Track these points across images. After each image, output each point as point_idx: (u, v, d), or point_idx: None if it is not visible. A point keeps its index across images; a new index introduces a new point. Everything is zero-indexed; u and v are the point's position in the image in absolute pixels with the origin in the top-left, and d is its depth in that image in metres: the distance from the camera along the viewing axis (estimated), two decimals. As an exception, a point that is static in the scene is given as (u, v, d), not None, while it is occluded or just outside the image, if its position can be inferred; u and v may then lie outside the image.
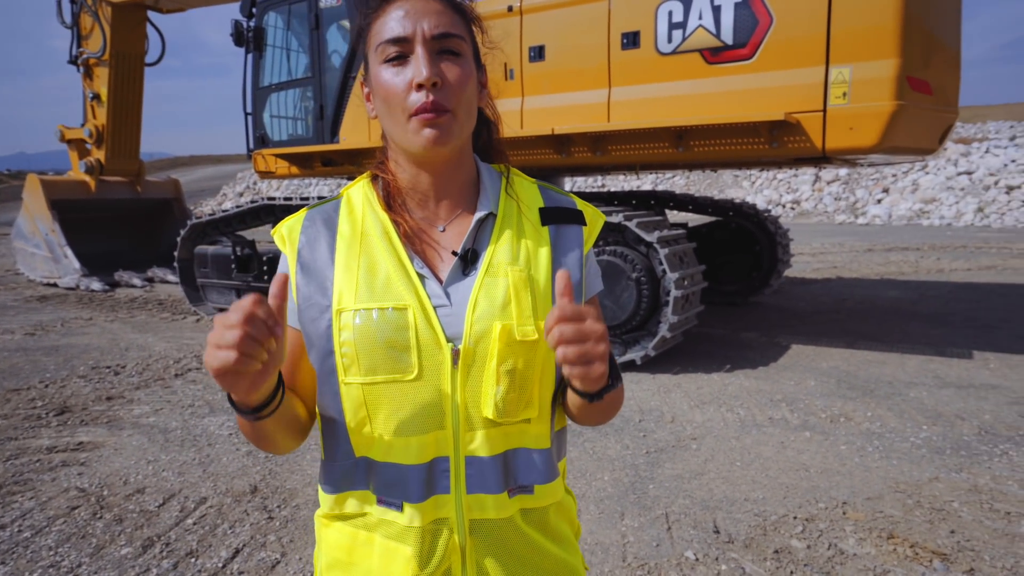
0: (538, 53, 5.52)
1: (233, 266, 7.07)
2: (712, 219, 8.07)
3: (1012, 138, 22.81)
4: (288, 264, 0.99)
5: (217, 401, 4.53)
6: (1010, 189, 18.48)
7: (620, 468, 3.41)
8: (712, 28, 4.77)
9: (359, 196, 1.03)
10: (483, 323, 0.93)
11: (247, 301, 0.76)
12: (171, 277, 10.50)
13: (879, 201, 21.13)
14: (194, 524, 2.83)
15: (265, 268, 6.83)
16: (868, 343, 5.80)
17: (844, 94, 4.41)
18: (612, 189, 13.47)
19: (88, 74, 10.67)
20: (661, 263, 4.85)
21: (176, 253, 7.70)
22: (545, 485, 1.00)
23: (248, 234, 7.84)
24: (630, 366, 5.05)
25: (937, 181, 20.18)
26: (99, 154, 10.86)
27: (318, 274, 0.97)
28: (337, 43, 6.96)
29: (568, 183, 7.62)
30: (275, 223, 7.32)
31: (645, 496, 3.10)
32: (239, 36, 7.11)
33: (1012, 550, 2.60)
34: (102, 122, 10.70)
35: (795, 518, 2.88)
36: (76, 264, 9.91)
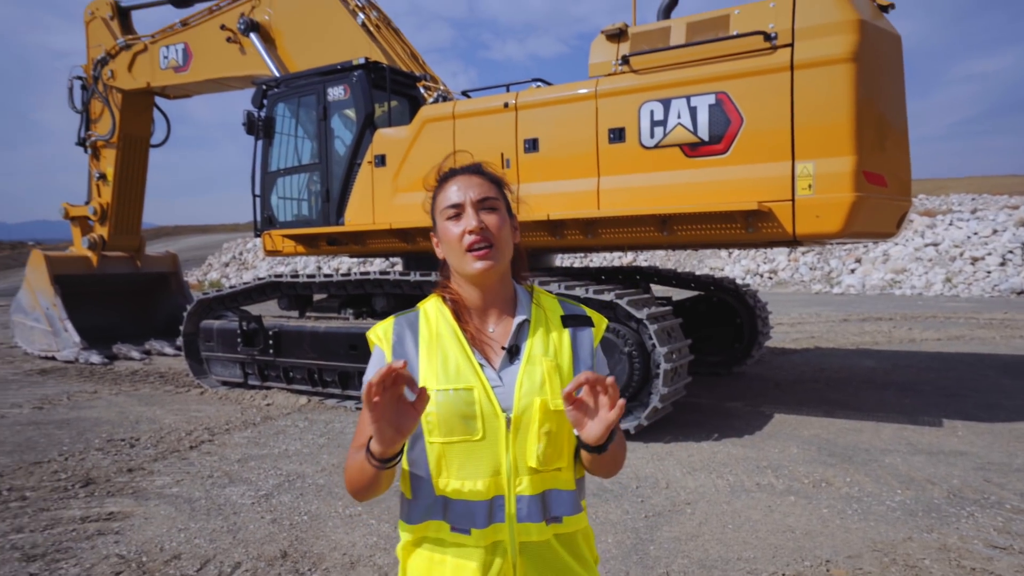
0: (532, 145, 6.04)
1: (239, 340, 7.34)
2: (694, 293, 8.53)
3: (973, 211, 23.96)
4: (385, 357, 1.40)
5: (235, 472, 4.75)
6: (975, 260, 19.35)
7: (622, 531, 3.68)
8: (690, 126, 5.32)
9: (433, 308, 1.45)
10: (527, 398, 1.34)
11: (386, 370, 1.12)
12: (168, 350, 10.70)
13: (852, 271, 21.95)
14: (232, 588, 3.05)
15: (271, 342, 7.11)
16: (846, 412, 6.17)
17: (809, 186, 4.92)
18: (598, 264, 13.99)
19: (95, 155, 11.14)
20: (651, 338, 5.24)
21: (181, 327, 7.96)
22: (571, 516, 1.39)
23: (253, 309, 8.14)
24: (624, 435, 5.34)
25: (906, 252, 21.09)
26: (102, 230, 11.21)
27: (408, 364, 1.34)
28: (343, 131, 7.49)
29: (558, 260, 8.09)
30: (280, 298, 7.67)
31: (647, 557, 3.38)
32: (251, 125, 7.62)
33: (976, 600, 2.91)
34: (107, 200, 11.11)
35: (784, 575, 3.17)
36: (76, 338, 10.09)
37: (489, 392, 1.33)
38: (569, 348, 1.41)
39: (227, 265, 40.02)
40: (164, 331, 11.54)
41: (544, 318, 1.43)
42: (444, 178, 1.46)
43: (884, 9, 5.08)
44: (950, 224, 21.89)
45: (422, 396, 1.17)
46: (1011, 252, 18.97)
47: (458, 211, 1.38)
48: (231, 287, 7.75)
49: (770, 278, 23.96)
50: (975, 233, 20.54)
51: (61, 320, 10.27)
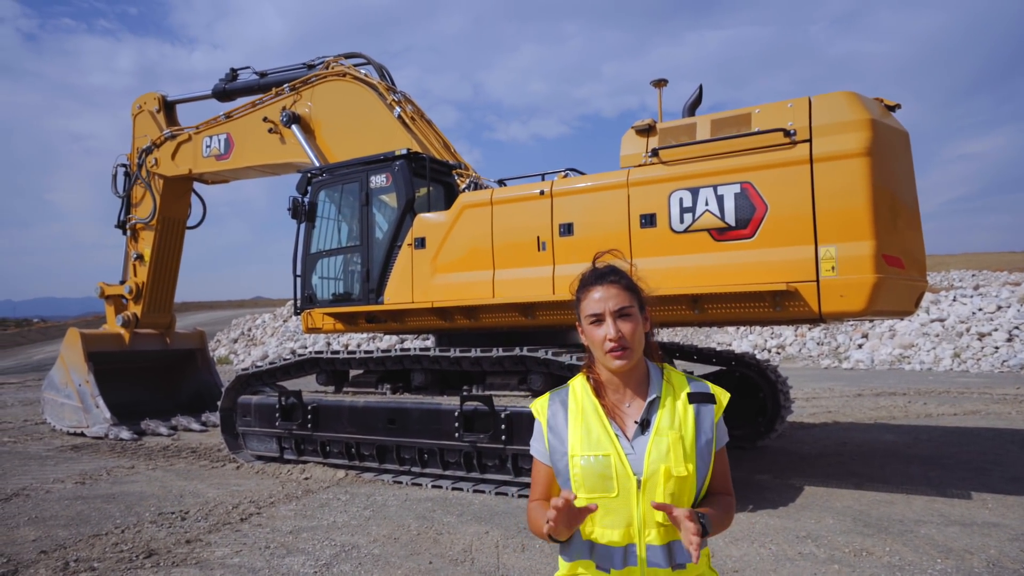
0: (567, 229, 6.45)
1: (277, 415, 7.55)
2: (716, 368, 8.78)
3: (976, 287, 24.38)
4: (543, 427, 1.75)
5: (290, 543, 4.89)
6: (982, 336, 19.59)
7: (677, 598, 3.82)
8: (717, 212, 5.73)
9: (580, 386, 1.79)
10: (655, 465, 1.64)
11: (561, 502, 1.51)
12: (195, 425, 10.85)
13: (860, 346, 22.14)
14: (317, 651, 3.20)
15: (309, 416, 7.31)
16: (874, 484, 6.31)
17: (833, 268, 5.28)
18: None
19: (134, 237, 11.66)
20: (687, 411, 5.46)
21: (219, 403, 8.17)
22: (691, 564, 1.65)
23: (288, 384, 8.36)
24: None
25: (912, 327, 21.34)
26: (136, 308, 11.58)
27: (560, 434, 1.72)
28: (382, 216, 7.95)
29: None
30: (319, 374, 7.93)
31: (705, 622, 3.51)
32: (295, 210, 8.09)
33: (1028, 662, 3.05)
34: (142, 280, 11.54)
35: (839, 639, 3.31)
36: (107, 414, 10.27)
37: (623, 458, 1.64)
38: (693, 422, 1.69)
39: (235, 341, 40.17)
40: (189, 407, 11.74)
41: (673, 395, 1.73)
42: (588, 283, 1.78)
43: (892, 109, 5.58)
44: (954, 300, 22.25)
45: (588, 508, 1.55)
46: (1017, 328, 19.23)
47: (599, 319, 1.71)
48: (270, 363, 8.01)
49: (778, 353, 24.12)
50: (980, 309, 20.86)
51: (93, 396, 10.49)
